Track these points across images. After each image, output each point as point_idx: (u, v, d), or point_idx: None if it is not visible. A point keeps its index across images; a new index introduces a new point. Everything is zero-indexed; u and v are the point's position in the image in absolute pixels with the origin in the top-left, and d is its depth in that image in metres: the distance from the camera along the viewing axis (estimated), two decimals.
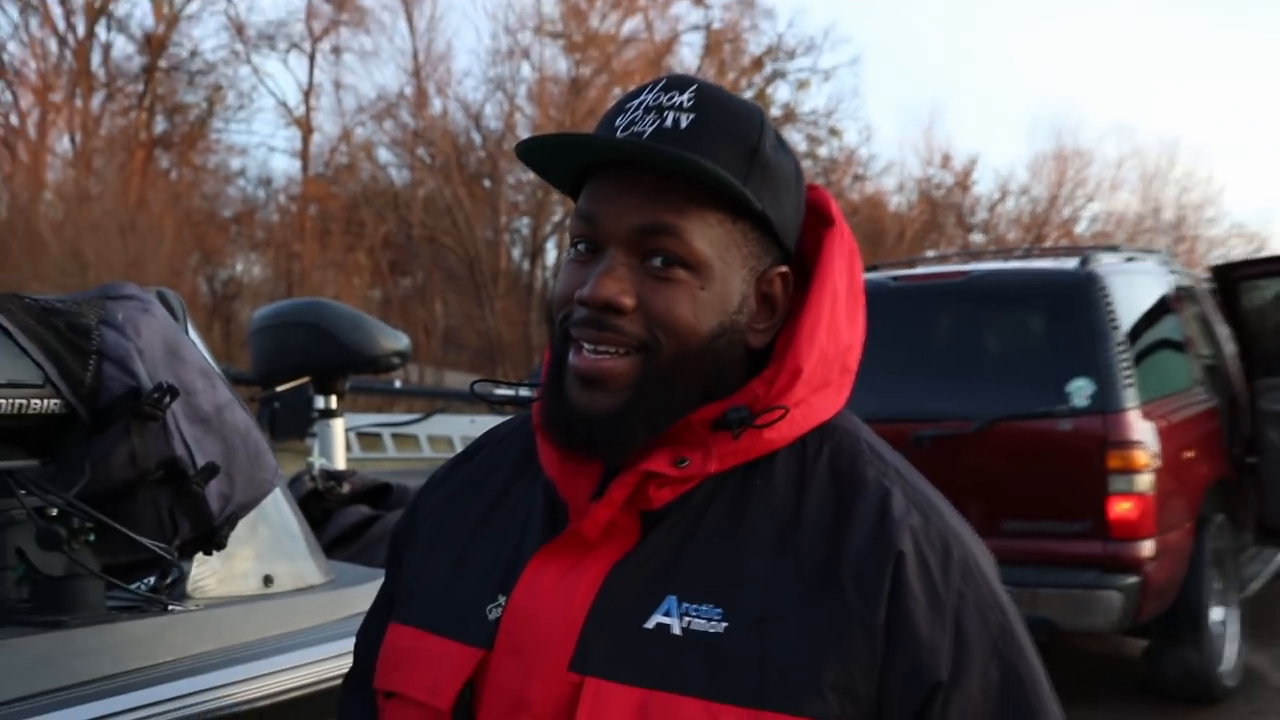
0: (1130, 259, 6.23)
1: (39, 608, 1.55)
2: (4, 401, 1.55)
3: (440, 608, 1.11)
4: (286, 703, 1.72)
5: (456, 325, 32.49)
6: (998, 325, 5.89)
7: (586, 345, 1.03)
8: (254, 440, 1.85)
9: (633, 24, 33.00)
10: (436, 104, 31.89)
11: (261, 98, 40.78)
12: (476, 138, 31.92)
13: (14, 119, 28.10)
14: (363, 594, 1.98)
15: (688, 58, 33.30)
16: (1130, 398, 5.12)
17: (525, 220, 32.56)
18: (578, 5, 31.80)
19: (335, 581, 2.05)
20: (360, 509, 3.00)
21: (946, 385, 5.56)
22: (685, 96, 1.03)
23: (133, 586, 1.70)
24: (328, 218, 31.37)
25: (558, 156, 1.08)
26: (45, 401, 1.60)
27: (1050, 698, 1.04)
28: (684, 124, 1.02)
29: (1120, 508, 5.03)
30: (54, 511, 1.57)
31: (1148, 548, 5.04)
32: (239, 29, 31.02)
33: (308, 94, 32.09)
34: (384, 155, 33.35)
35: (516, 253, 32.95)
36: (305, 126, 32.21)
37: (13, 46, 28.20)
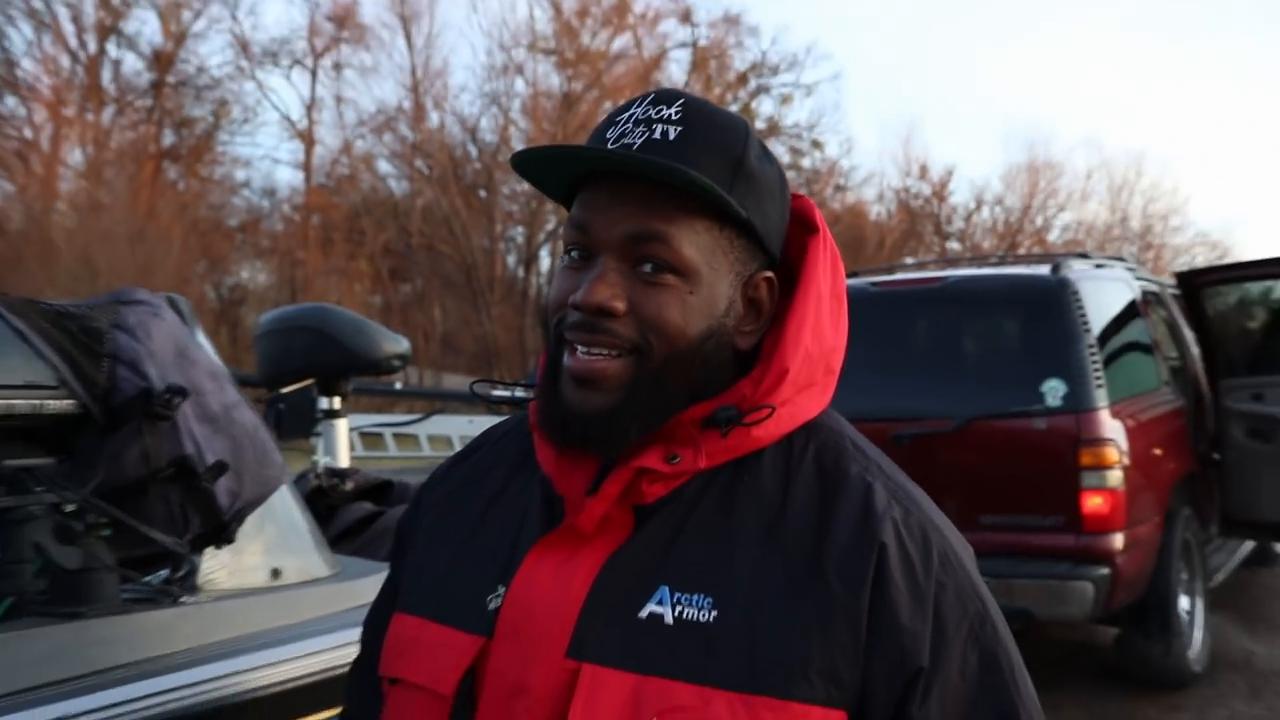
0: (1100, 266, 6.24)
1: (57, 599, 1.55)
2: (21, 402, 1.55)
3: (442, 598, 1.12)
4: (294, 690, 1.72)
5: (454, 330, 32.45)
6: (974, 329, 5.90)
7: (580, 347, 1.03)
8: (261, 439, 1.85)
9: (622, 41, 33.07)
10: (434, 118, 31.93)
11: (266, 112, 40.90)
12: (472, 150, 31.96)
13: (28, 132, 27.99)
14: (367, 586, 1.98)
15: (675, 73, 33.36)
16: (1101, 398, 5.13)
17: (520, 229, 32.60)
18: (570, 23, 31.84)
19: (340, 574, 2.05)
20: (363, 505, 3.00)
21: (926, 386, 5.57)
22: (673, 110, 1.04)
23: (146, 579, 1.70)
24: (330, 227, 31.34)
25: (551, 168, 1.09)
26: (61, 402, 1.60)
27: (1027, 682, 1.05)
28: (672, 136, 1.02)
29: (1092, 502, 5.04)
30: (70, 507, 1.57)
31: (1118, 540, 5.05)
32: (244, 46, 31.00)
33: (310, 108, 32.10)
34: (384, 167, 33.39)
35: (511, 260, 32.98)
36: (308, 139, 32.20)
37: (27, 63, 28.11)
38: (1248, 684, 5.75)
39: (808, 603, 0.99)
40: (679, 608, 1.00)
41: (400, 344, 3.54)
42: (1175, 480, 5.79)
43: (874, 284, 5.98)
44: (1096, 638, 6.18)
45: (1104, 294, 5.75)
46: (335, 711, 1.68)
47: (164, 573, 1.75)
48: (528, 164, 1.08)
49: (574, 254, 1.06)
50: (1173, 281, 7.08)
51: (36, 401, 1.57)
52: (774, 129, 33.83)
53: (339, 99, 33.51)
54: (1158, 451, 5.62)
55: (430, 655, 1.08)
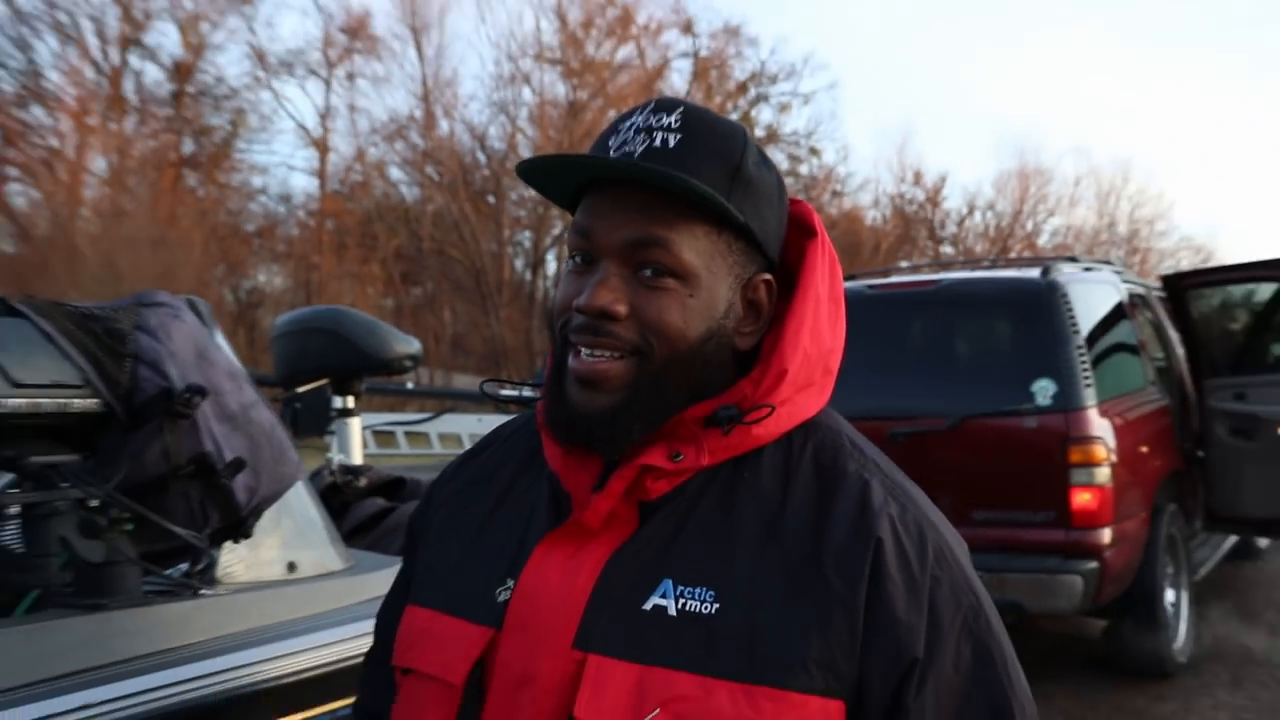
0: (1088, 269, 6.23)
1: (81, 591, 1.55)
2: (48, 401, 1.55)
3: (453, 591, 1.12)
4: (309, 680, 1.72)
5: (464, 331, 32.44)
6: (967, 330, 5.89)
7: (584, 350, 1.03)
8: (278, 437, 1.85)
9: (626, 51, 33.04)
10: (444, 126, 31.89)
11: (282, 120, 41.02)
12: (481, 157, 31.95)
13: (54, 141, 28.03)
14: (380, 579, 1.98)
15: (677, 83, 33.32)
16: (1090, 397, 5.13)
17: (527, 234, 32.56)
18: (575, 34, 31.81)
19: (354, 568, 2.05)
20: (376, 501, 2.99)
21: (920, 385, 5.56)
22: (673, 118, 1.04)
23: (167, 572, 1.70)
24: (344, 232, 31.33)
25: (556, 175, 1.09)
26: (85, 401, 1.60)
27: (1019, 673, 1.05)
28: (672, 143, 1.02)
29: (1081, 498, 5.03)
30: (94, 503, 1.57)
31: (1106, 535, 5.04)
32: (260, 57, 30.98)
33: (324, 117, 32.08)
34: (395, 173, 33.35)
35: (519, 264, 32.94)
36: (322, 147, 32.18)
37: (53, 74, 28.18)
38: (1231, 674, 5.74)
39: (806, 596, 0.99)
40: (682, 600, 1.00)
41: (411, 345, 3.53)
42: (1161, 477, 5.78)
43: (870, 287, 5.98)
44: (1085, 630, 6.18)
45: (1092, 296, 5.75)
46: (349, 701, 1.68)
47: (184, 566, 1.75)
48: (533, 172, 1.08)
49: (578, 259, 1.06)
50: (1158, 284, 7.07)
51: (62, 400, 1.57)
52: (773, 136, 33.79)
53: (352, 108, 33.57)
54: (1144, 449, 5.61)
55: (441, 646, 1.08)
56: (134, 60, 29.38)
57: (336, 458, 3.44)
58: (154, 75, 30.16)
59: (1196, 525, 6.43)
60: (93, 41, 28.40)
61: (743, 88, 34.40)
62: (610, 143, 1.05)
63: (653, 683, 0.97)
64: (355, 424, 3.58)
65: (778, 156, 33.15)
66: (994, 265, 7.87)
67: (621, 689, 0.97)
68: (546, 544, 1.06)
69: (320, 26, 33.77)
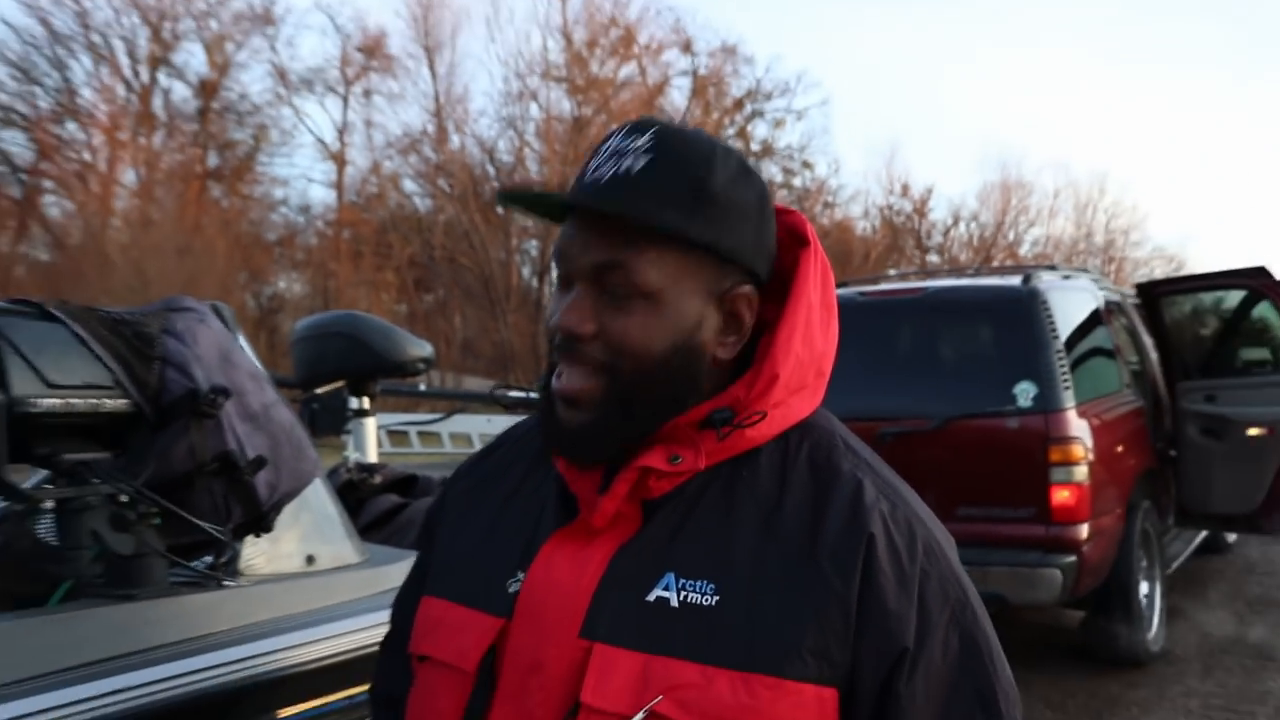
0: (1067, 277, 6.23)
1: (112, 582, 1.55)
2: (81, 401, 1.55)
3: (466, 582, 1.11)
4: (327, 667, 1.72)
5: (473, 336, 32.44)
6: (952, 335, 5.88)
7: (563, 368, 1.04)
8: (297, 436, 1.84)
9: (628, 70, 33.09)
10: (455, 140, 31.95)
11: (301, 135, 41.08)
12: (491, 170, 31.96)
13: (87, 155, 28.11)
14: (394, 572, 1.97)
15: (677, 99, 33.38)
16: (1068, 399, 5.12)
17: (534, 242, 32.57)
18: (580, 53, 31.84)
19: (369, 561, 2.05)
20: (390, 497, 2.99)
21: (907, 387, 5.55)
22: (644, 140, 1.02)
23: (192, 564, 1.70)
24: (360, 241, 31.34)
25: (534, 203, 1.09)
26: (116, 401, 1.60)
27: (1003, 662, 1.04)
28: (637, 168, 1.00)
29: (1060, 496, 5.03)
30: (124, 498, 1.57)
31: (1084, 531, 5.04)
32: (282, 75, 31.04)
33: (342, 131, 32.15)
34: (409, 185, 33.41)
35: (526, 271, 32.93)
36: (340, 160, 32.23)
37: (86, 92, 28.26)
38: (1201, 662, 5.74)
39: (802, 589, 0.98)
40: (684, 593, 1.00)
41: (424, 349, 3.52)
42: (1136, 475, 5.78)
43: (861, 294, 5.97)
44: (1064, 620, 6.17)
45: (1071, 303, 5.75)
46: (364, 687, 1.68)
47: (208, 559, 1.75)
48: (511, 203, 1.09)
49: (559, 280, 1.07)
50: (1133, 292, 7.07)
51: (94, 401, 1.57)
52: (768, 151, 33.83)
53: (368, 123, 33.80)
54: (1120, 449, 5.61)
55: (455, 635, 1.08)
56: (163, 78, 29.51)
57: (353, 456, 3.43)
58: (181, 93, 30.27)
59: (1169, 521, 6.43)
60: (124, 61, 28.53)
61: (739, 104, 34.46)
62: (591, 164, 1.04)
63: (656, 671, 0.97)
64: (370, 424, 3.57)
65: (772, 170, 33.20)
66: (978, 273, 7.84)
67: (626, 676, 0.97)
68: (555, 539, 1.06)
69: (338, 46, 33.76)
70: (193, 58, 31.71)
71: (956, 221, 36.47)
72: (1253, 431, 6.12)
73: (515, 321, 30.17)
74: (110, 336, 1.62)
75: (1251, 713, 4.97)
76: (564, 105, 31.98)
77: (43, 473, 1.72)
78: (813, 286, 1.08)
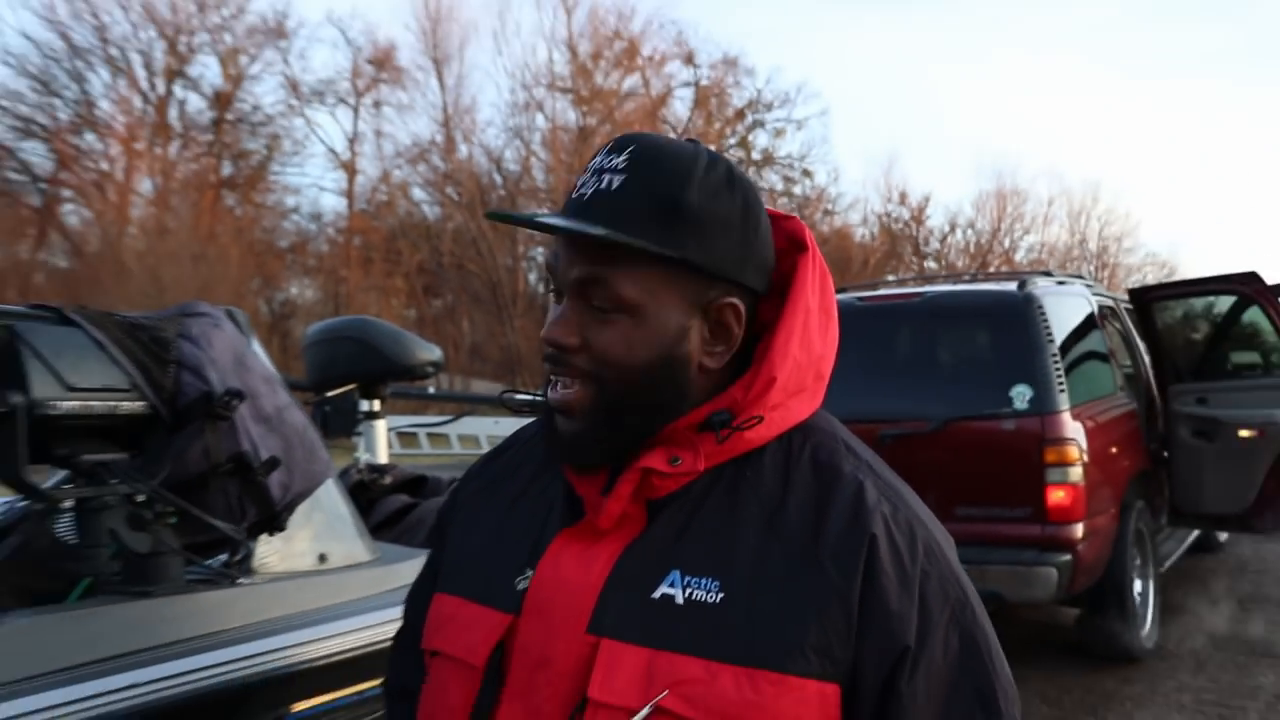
0: (1061, 283, 6.21)
1: (129, 580, 1.55)
2: (99, 403, 1.55)
3: (476, 580, 1.11)
4: (339, 663, 1.72)
5: (481, 340, 32.43)
6: (950, 339, 5.87)
7: (554, 379, 1.05)
8: (309, 438, 1.85)
9: (632, 81, 33.09)
10: (463, 150, 31.96)
11: (313, 145, 41.14)
12: (498, 179, 32.00)
13: (104, 165, 28.21)
14: (404, 570, 1.98)
15: (680, 109, 33.42)
16: (1063, 401, 5.11)
17: (540, 249, 32.48)
18: (585, 65, 31.88)
19: (380, 559, 2.05)
20: (400, 497, 2.99)
21: (906, 390, 5.54)
22: (622, 159, 1.02)
23: (207, 562, 1.70)
24: (370, 248, 31.36)
25: (522, 221, 1.09)
26: (133, 403, 1.60)
27: (1002, 660, 1.04)
28: (614, 186, 1.01)
29: (1055, 496, 5.01)
30: (141, 498, 1.57)
31: (1079, 530, 5.02)
32: (294, 86, 31.08)
33: (353, 141, 32.20)
34: (418, 194, 33.41)
35: (533, 277, 32.89)
36: (350, 169, 32.28)
37: (104, 104, 28.37)
38: (1194, 658, 5.73)
39: (805, 587, 0.98)
40: (689, 590, 0.99)
41: (433, 352, 3.53)
42: (1129, 476, 5.77)
43: (860, 299, 5.96)
44: (1060, 618, 6.16)
45: (1065, 308, 5.74)
46: (376, 682, 1.68)
47: (223, 557, 1.75)
48: (496, 219, 1.10)
49: (553, 294, 1.07)
50: (1126, 297, 7.05)
51: (112, 403, 1.57)
52: (768, 160, 33.83)
53: (378, 133, 33.85)
54: (1114, 450, 5.60)
55: (465, 630, 1.08)
56: (178, 90, 29.58)
57: (363, 457, 3.43)
58: (196, 104, 30.34)
59: (1162, 520, 6.41)
60: (141, 73, 28.61)
61: (740, 114, 34.45)
62: (579, 181, 1.05)
63: (661, 666, 0.96)
64: (381, 426, 3.57)
65: (773, 178, 33.21)
66: (974, 279, 7.85)
67: (632, 671, 0.97)
68: (563, 538, 1.05)
69: (349, 59, 33.80)
70: (208, 70, 31.78)
71: (953, 229, 36.47)
72: (1243, 433, 6.11)
73: (522, 326, 30.15)
74: (127, 341, 1.62)
75: (1243, 707, 4.96)
76: (569, 116, 32.02)
77: (62, 473, 1.72)
78: (810, 291, 1.08)
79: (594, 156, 1.05)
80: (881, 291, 6.48)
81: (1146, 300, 6.62)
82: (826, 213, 34.79)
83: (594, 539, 1.04)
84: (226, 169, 31.11)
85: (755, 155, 33.25)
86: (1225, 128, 55.12)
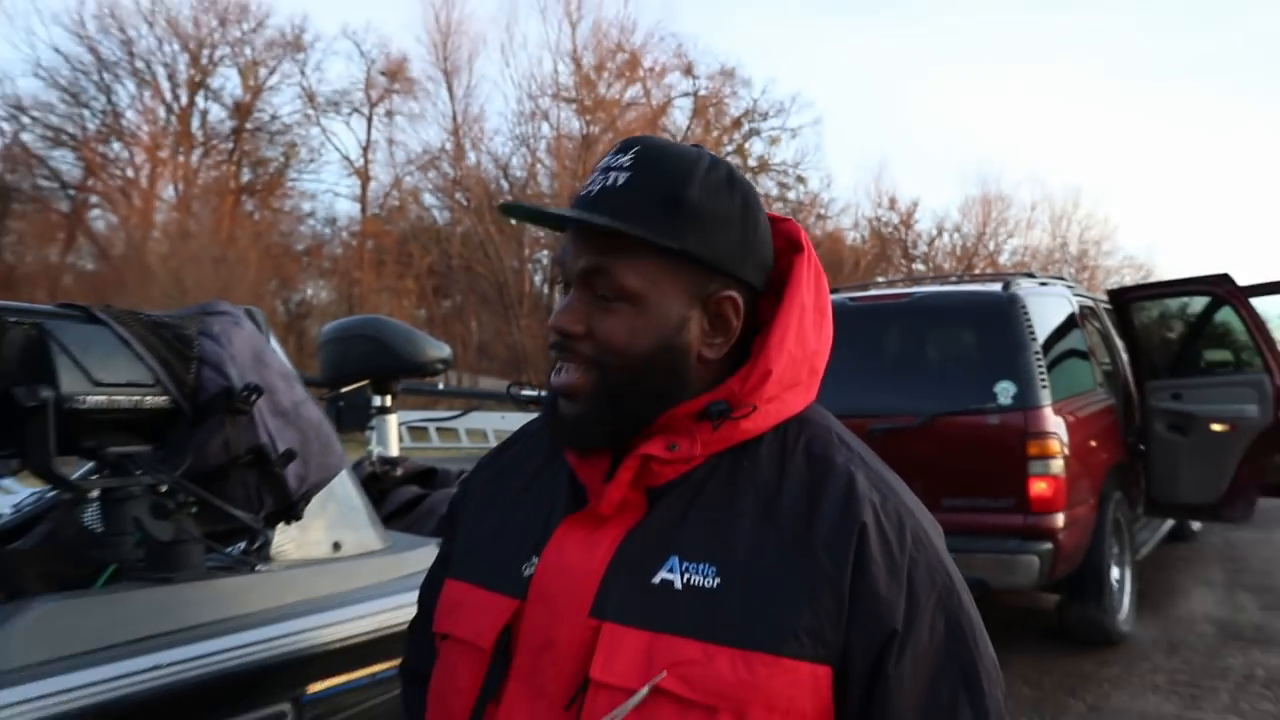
0: (1043, 284, 6.21)
1: (152, 566, 1.55)
2: (124, 398, 1.55)
3: (485, 566, 1.11)
4: (352, 647, 1.72)
5: (488, 339, 32.43)
6: (937, 338, 5.87)
7: (559, 364, 1.05)
8: (324, 431, 1.84)
9: (634, 91, 33.11)
10: (472, 157, 31.98)
11: (328, 153, 41.04)
12: (505, 184, 31.96)
13: (130, 172, 28.24)
14: (415, 558, 1.97)
15: (679, 118, 33.39)
16: (1045, 397, 5.11)
17: (545, 252, 32.51)
18: (589, 76, 31.87)
19: (392, 547, 2.04)
20: (411, 489, 2.98)
21: (896, 387, 5.54)
22: (628, 157, 1.03)
23: (227, 550, 1.70)
24: (382, 251, 31.39)
25: (533, 215, 1.10)
26: (156, 398, 1.60)
27: (986, 643, 1.04)
28: (619, 183, 1.02)
29: (1038, 487, 5.01)
30: (164, 488, 1.57)
31: (1060, 520, 5.03)
32: (310, 97, 31.14)
33: (366, 149, 32.24)
34: (429, 199, 33.46)
35: (538, 279, 32.92)
36: (364, 176, 32.30)
37: (130, 114, 28.41)
38: (1167, 641, 5.73)
39: (798, 573, 0.98)
40: (687, 575, 0.99)
41: (443, 350, 3.52)
42: (1108, 468, 5.77)
43: (852, 299, 5.96)
44: (1041, 603, 6.16)
45: (1047, 308, 5.73)
46: (388, 665, 1.68)
47: (241, 545, 1.75)
48: (509, 213, 1.10)
49: (560, 283, 1.07)
50: (1105, 297, 7.05)
51: (136, 398, 1.57)
52: (764, 166, 33.82)
53: (391, 141, 33.98)
54: (1093, 443, 5.59)
55: (473, 615, 1.08)
56: (200, 101, 29.67)
57: (376, 450, 3.42)
58: (218, 114, 30.41)
59: (1139, 511, 6.41)
60: (165, 85, 28.71)
61: (737, 123, 34.46)
62: (589, 179, 1.06)
63: (660, 648, 0.96)
64: (392, 420, 3.57)
65: (768, 184, 33.19)
66: (960, 281, 7.83)
67: (632, 653, 0.97)
68: (566, 526, 1.05)
69: (363, 70, 33.72)
70: (228, 82, 31.81)
71: (940, 232, 36.45)
72: (1216, 427, 6.11)
73: (528, 325, 30.15)
74: (151, 338, 1.62)
75: (1214, 688, 4.96)
76: (573, 124, 32.02)
77: (89, 464, 1.72)
78: (805, 289, 1.08)
79: (605, 155, 1.06)
80: (872, 292, 6.48)
81: (1124, 301, 6.62)
82: (819, 217, 34.81)
83: (596, 526, 1.04)
84: (246, 176, 31.17)
85: (751, 162, 33.25)
86: (1200, 135, 55.08)
